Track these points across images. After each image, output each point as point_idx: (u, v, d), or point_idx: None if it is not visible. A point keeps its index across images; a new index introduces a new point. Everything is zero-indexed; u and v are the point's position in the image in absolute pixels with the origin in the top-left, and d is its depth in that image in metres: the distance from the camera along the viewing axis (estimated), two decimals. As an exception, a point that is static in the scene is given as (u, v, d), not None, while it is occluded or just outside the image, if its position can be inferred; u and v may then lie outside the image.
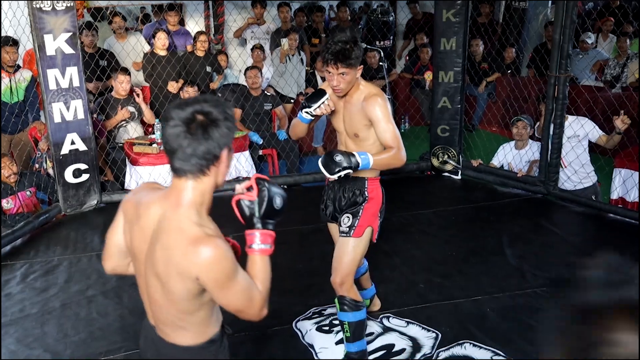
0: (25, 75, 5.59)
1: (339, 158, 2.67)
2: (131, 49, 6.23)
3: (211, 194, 1.73)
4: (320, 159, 2.73)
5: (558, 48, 4.79)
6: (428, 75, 7.35)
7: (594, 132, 4.77)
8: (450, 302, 3.67)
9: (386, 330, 3.41)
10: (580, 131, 4.80)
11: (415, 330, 3.39)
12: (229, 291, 1.65)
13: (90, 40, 6.12)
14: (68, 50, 4.72)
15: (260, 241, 1.74)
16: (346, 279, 2.93)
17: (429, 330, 3.38)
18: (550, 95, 4.86)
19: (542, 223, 4.75)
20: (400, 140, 2.76)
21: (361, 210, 2.92)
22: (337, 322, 3.47)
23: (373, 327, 3.43)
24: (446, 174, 5.80)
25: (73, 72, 4.80)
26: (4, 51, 5.34)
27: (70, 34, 4.70)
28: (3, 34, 5.54)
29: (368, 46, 6.87)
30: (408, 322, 3.46)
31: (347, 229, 2.93)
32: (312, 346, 3.28)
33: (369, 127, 2.82)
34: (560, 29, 4.75)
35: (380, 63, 7.05)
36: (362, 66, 2.76)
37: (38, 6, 4.55)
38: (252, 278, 1.73)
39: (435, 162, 5.83)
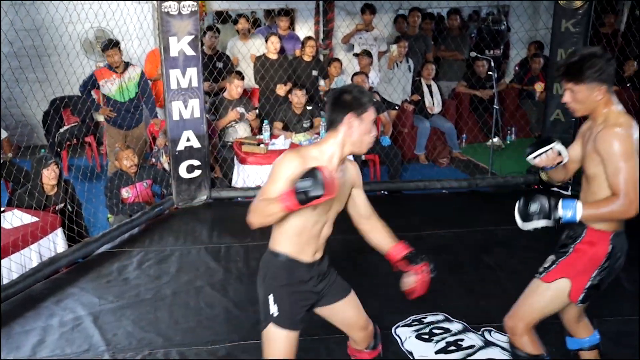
0: (132, 73, 5.85)
1: (534, 208, 2.38)
2: (256, 49, 6.48)
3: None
4: (517, 204, 2.45)
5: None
6: (539, 86, 7.11)
7: None
8: (556, 322, 3.53)
9: (488, 344, 3.34)
10: None
11: (518, 347, 3.30)
12: (264, 186, 2.26)
13: (211, 42, 6.42)
14: (190, 52, 4.98)
15: (286, 196, 2.12)
16: (518, 324, 2.59)
17: (533, 349, 3.27)
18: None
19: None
20: (634, 187, 2.25)
21: (564, 257, 2.53)
22: (437, 331, 3.45)
23: (474, 339, 3.37)
24: (555, 188, 5.59)
25: (193, 73, 5.05)
26: (107, 54, 5.65)
27: (193, 36, 4.96)
28: (128, 36, 5.90)
29: (478, 55, 6.73)
30: (511, 339, 3.36)
31: (542, 269, 2.60)
32: (411, 353, 3.28)
33: (598, 163, 2.37)
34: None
35: (489, 72, 6.89)
36: (605, 86, 2.34)
37: (165, 10, 4.84)
38: (267, 200, 2.19)
39: (544, 176, 5.62)
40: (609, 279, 2.50)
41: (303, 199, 2.10)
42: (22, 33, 4.97)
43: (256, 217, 2.22)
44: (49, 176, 4.47)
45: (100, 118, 5.77)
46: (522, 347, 2.61)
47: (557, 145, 2.59)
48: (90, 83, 5.78)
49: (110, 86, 5.73)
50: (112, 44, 5.64)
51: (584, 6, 5.12)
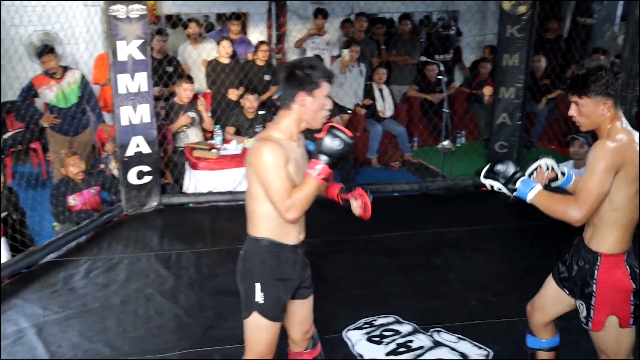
0: (72, 78, 5.56)
1: (500, 168, 2.46)
2: (207, 54, 6.42)
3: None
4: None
5: (626, 66, 4.68)
6: (487, 90, 7.27)
7: None
8: (503, 321, 3.62)
9: (437, 344, 3.39)
10: None
11: (466, 346, 3.37)
12: (265, 182, 2.27)
13: (160, 46, 6.33)
14: (139, 56, 4.91)
15: (315, 170, 2.26)
16: None
17: (480, 348, 3.35)
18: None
19: None
20: (589, 198, 2.23)
21: (594, 298, 2.41)
22: (387, 333, 3.49)
23: (423, 340, 3.42)
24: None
25: (142, 77, 4.98)
26: (43, 60, 5.36)
27: (142, 40, 4.89)
28: (75, 40, 5.76)
29: (428, 59, 6.84)
30: (459, 338, 3.43)
31: (585, 320, 2.47)
32: (361, 356, 3.30)
33: None
34: (630, 46, 4.64)
35: (439, 77, 7.02)
36: (611, 101, 2.28)
37: (113, 14, 4.75)
38: (297, 189, 2.27)
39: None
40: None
41: (334, 161, 2.28)
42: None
43: (300, 211, 2.30)
44: None
45: (46, 124, 5.57)
46: None
47: (545, 162, 2.61)
48: (29, 91, 5.46)
49: (50, 93, 5.45)
50: (47, 50, 5.42)
51: (527, 12, 5.26)
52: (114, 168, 5.42)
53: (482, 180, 2.52)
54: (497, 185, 2.47)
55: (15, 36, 5.29)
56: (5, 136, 6.35)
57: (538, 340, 2.80)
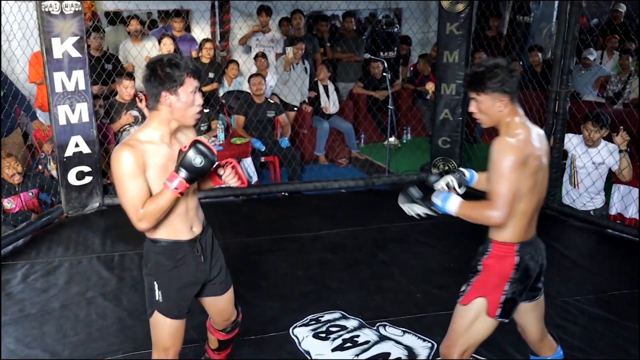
0: None
1: (413, 191, 2.54)
2: (147, 52, 6.29)
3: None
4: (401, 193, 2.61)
5: (559, 63, 4.84)
6: (430, 86, 7.39)
7: (614, 162, 4.69)
8: (447, 313, 3.65)
9: (382, 338, 3.43)
10: (609, 159, 4.71)
11: (411, 339, 3.42)
12: (119, 189, 2.25)
13: (97, 43, 6.16)
14: (75, 53, 4.77)
15: (173, 183, 2.21)
16: (450, 351, 2.54)
17: (425, 340, 3.40)
18: (551, 110, 4.90)
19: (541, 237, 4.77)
20: (504, 200, 2.29)
21: (476, 277, 2.51)
22: (333, 329, 3.51)
23: (369, 335, 3.45)
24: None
25: (79, 75, 4.85)
26: None
27: (78, 37, 4.75)
28: (10, 36, 5.51)
29: (372, 57, 6.91)
30: (404, 332, 3.48)
31: (460, 293, 2.56)
32: (308, 353, 3.31)
33: None
34: (562, 44, 4.80)
35: (384, 74, 7.10)
36: (507, 98, 2.36)
37: (47, 10, 4.61)
38: (152, 199, 2.24)
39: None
40: (524, 290, 2.50)
41: (193, 177, 2.22)
42: None
43: (151, 221, 2.26)
44: None
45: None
46: None
47: (445, 182, 2.68)
48: None
49: None
50: None
51: (465, 10, 5.38)
52: (52, 169, 5.25)
53: (403, 207, 2.60)
54: (420, 210, 2.57)
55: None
56: None
57: (541, 359, 2.77)
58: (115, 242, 4.63)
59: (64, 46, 4.72)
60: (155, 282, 2.43)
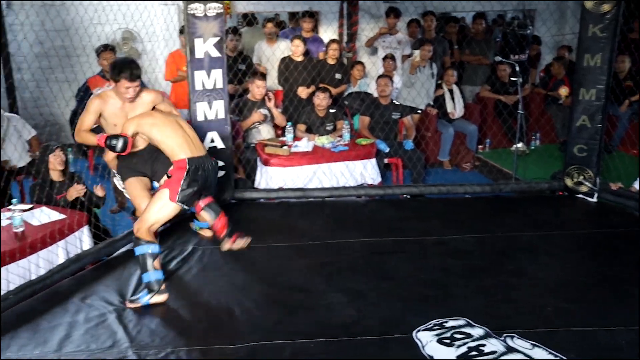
0: None
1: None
2: (280, 53, 6.52)
3: None
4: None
5: None
6: (563, 91, 7.05)
7: None
8: (579, 330, 3.50)
9: (510, 350, 3.31)
10: None
11: (541, 354, 3.27)
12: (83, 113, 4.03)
13: (234, 44, 6.46)
14: (215, 53, 5.03)
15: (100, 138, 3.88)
16: (140, 224, 3.79)
17: (556, 356, 3.24)
18: None
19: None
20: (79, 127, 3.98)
21: (171, 178, 3.90)
22: (458, 335, 3.44)
23: (496, 345, 3.35)
24: (580, 195, 5.53)
25: (217, 74, 5.10)
26: (102, 58, 5.50)
27: (218, 38, 5.01)
28: (152, 38, 5.89)
29: (503, 59, 6.68)
30: (534, 345, 3.34)
31: (157, 186, 4.17)
32: (432, 358, 3.26)
33: None
34: None
35: (512, 78, 6.87)
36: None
37: (192, 12, 4.89)
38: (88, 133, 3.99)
39: (569, 182, 5.57)
40: (196, 186, 3.85)
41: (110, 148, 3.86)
42: (52, 33, 5.06)
43: (80, 140, 3.99)
44: (54, 162, 4.56)
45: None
46: (141, 237, 3.74)
47: None
48: (84, 91, 5.60)
49: None
50: (108, 48, 5.53)
51: (611, 11, 5.06)
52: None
53: None
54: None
55: (101, 34, 5.52)
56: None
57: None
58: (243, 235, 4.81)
59: (205, 46, 4.98)
60: None
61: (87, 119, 3.94)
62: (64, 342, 3.35)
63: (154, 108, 4.08)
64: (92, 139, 3.89)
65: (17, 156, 5.43)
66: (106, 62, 5.44)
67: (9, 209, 4.27)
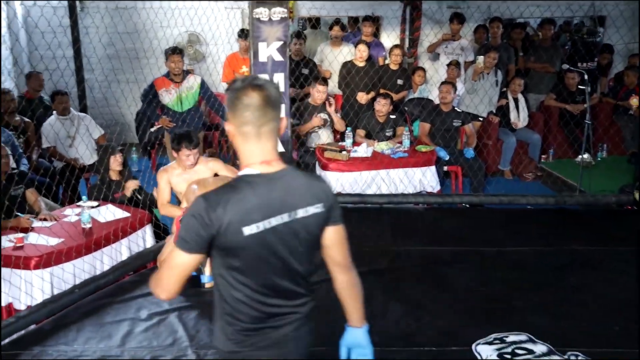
0: (192, 82, 5.73)
1: None
2: (343, 57, 6.54)
3: None
4: None
5: None
6: (635, 101, 6.78)
7: None
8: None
9: (574, 369, 3.21)
10: None
11: (606, 375, 3.16)
12: None
13: (297, 48, 6.51)
14: (278, 57, 5.07)
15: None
16: None
17: (623, 379, 3.13)
18: None
19: None
20: None
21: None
22: (520, 351, 3.35)
23: (559, 364, 3.25)
24: (651, 209, 5.30)
25: (280, 78, 5.13)
26: (170, 60, 5.54)
27: (282, 42, 5.05)
28: (217, 41, 5.96)
29: (571, 67, 6.47)
30: (599, 365, 3.23)
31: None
32: (491, 372, 3.20)
33: None
34: None
35: (581, 87, 6.65)
36: None
37: (257, 16, 4.96)
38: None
39: (638, 196, 5.35)
40: None
41: None
42: (123, 36, 5.23)
43: (165, 213, 4.06)
44: (114, 163, 4.69)
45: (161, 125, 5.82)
46: None
47: None
48: (151, 92, 5.70)
49: (168, 96, 5.68)
50: (176, 51, 5.64)
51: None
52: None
53: None
54: None
55: (170, 37, 5.66)
56: (152, 129, 6.80)
57: None
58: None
59: (269, 50, 5.03)
60: None
61: (163, 193, 4.32)
62: (127, 338, 3.45)
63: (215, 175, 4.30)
64: (177, 212, 3.97)
65: (88, 154, 5.62)
66: (174, 64, 5.57)
67: (78, 206, 4.43)
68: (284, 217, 1.80)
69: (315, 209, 1.86)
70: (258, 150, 1.82)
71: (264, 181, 1.81)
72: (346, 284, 2.03)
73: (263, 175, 1.81)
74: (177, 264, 1.77)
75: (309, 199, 1.85)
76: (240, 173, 1.84)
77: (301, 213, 1.83)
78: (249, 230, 1.74)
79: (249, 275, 1.81)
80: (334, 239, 1.96)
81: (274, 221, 1.79)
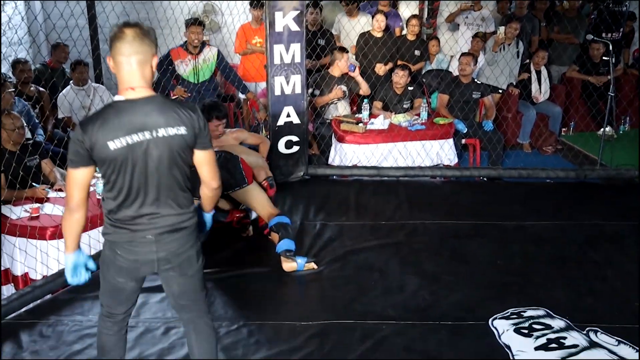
0: (208, 54, 5.73)
1: None
2: (360, 27, 6.41)
3: None
4: None
5: None
6: (659, 72, 6.59)
7: None
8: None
9: (593, 345, 3.15)
10: None
11: (627, 351, 3.09)
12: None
13: (314, 17, 6.38)
14: (294, 27, 4.98)
15: None
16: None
17: (643, 355, 3.06)
18: None
19: None
20: None
21: None
22: (537, 326, 3.30)
23: (578, 339, 3.19)
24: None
25: (296, 48, 5.05)
26: (190, 31, 5.52)
27: (298, 12, 4.95)
28: (231, 11, 5.86)
29: (595, 37, 6.27)
30: (619, 341, 3.16)
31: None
32: (509, 347, 3.15)
33: None
34: None
35: (605, 58, 6.47)
36: None
37: (273, -15, 4.85)
38: None
39: (661, 170, 5.22)
40: None
41: None
42: (138, 5, 5.15)
43: None
44: None
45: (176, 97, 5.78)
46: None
47: None
48: (166, 62, 5.65)
49: (185, 67, 5.67)
50: (196, 22, 5.60)
51: None
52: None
53: None
54: None
55: (184, 7, 5.59)
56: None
57: None
58: (316, 212, 4.78)
59: (285, 20, 4.93)
60: None
61: None
62: (142, 309, 3.45)
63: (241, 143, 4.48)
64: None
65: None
66: (193, 35, 5.57)
67: (94, 176, 4.41)
68: (146, 135, 2.18)
69: (176, 130, 2.22)
70: (127, 77, 2.21)
71: (128, 105, 2.20)
72: (207, 192, 2.48)
73: (128, 101, 2.20)
74: (71, 178, 2.26)
75: (171, 121, 2.22)
76: (113, 98, 2.27)
77: (162, 132, 2.20)
78: (113, 145, 2.16)
79: (120, 183, 2.25)
80: (202, 161, 2.36)
81: (136, 137, 2.17)
